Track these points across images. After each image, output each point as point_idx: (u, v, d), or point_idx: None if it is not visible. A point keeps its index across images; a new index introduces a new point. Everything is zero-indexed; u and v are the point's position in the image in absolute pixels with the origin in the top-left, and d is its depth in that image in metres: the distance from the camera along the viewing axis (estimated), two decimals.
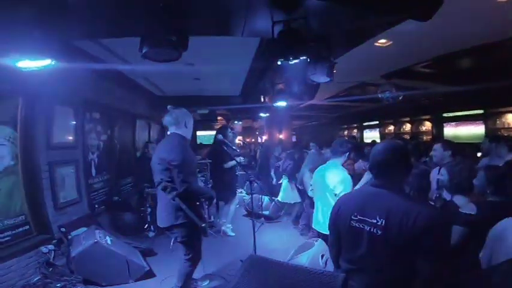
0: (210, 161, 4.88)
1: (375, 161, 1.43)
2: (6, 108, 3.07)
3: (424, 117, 9.13)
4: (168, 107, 2.60)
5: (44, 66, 2.34)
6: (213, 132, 10.34)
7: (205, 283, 3.12)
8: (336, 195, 2.73)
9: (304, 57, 2.32)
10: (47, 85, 3.31)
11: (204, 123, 12.26)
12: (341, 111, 11.42)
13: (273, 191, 5.84)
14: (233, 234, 4.64)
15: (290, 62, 2.31)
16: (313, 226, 3.21)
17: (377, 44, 3.66)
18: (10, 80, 2.89)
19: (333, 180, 2.82)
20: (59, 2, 2.14)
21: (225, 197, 4.68)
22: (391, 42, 3.63)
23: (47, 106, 3.50)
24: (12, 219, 3.02)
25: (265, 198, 5.43)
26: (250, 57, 4.25)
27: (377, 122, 11.52)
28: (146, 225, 4.66)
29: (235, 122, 11.79)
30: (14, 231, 3.01)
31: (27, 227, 3.17)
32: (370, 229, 1.33)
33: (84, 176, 4.25)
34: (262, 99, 6.27)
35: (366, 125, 12.38)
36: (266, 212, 5.30)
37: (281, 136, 9.23)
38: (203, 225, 2.40)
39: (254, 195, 4.19)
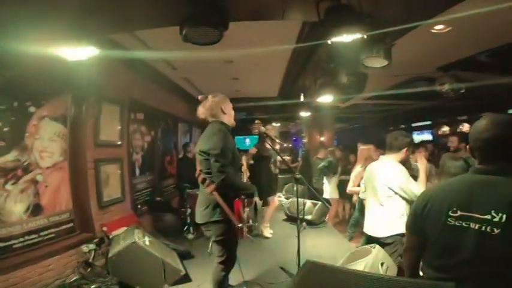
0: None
1: (482, 140, 1.13)
2: (58, 105, 3.17)
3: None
4: (200, 97, 2.44)
5: (87, 57, 2.40)
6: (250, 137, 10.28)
7: None
8: (401, 195, 2.36)
9: (360, 35, 2.01)
10: (95, 83, 3.40)
11: (241, 127, 12.24)
12: (386, 111, 10.56)
13: (315, 196, 5.49)
14: (270, 236, 4.45)
15: (344, 40, 2.02)
16: (364, 231, 2.77)
17: (434, 31, 3.23)
18: (61, 78, 3.03)
19: (392, 178, 2.40)
20: None
21: (264, 197, 4.52)
22: (450, 28, 3.18)
23: (95, 104, 3.58)
24: (58, 216, 3.07)
25: (308, 202, 5.10)
26: (289, 51, 4.06)
27: (429, 122, 10.43)
28: (186, 226, 4.59)
29: (273, 123, 11.58)
30: (58, 229, 3.04)
31: (71, 224, 3.21)
32: (480, 227, 1.03)
33: (128, 175, 4.30)
34: (302, 98, 5.95)
35: (415, 126, 11.24)
36: (308, 217, 4.96)
37: (322, 139, 8.77)
38: (240, 225, 2.19)
39: (296, 199, 3.93)
